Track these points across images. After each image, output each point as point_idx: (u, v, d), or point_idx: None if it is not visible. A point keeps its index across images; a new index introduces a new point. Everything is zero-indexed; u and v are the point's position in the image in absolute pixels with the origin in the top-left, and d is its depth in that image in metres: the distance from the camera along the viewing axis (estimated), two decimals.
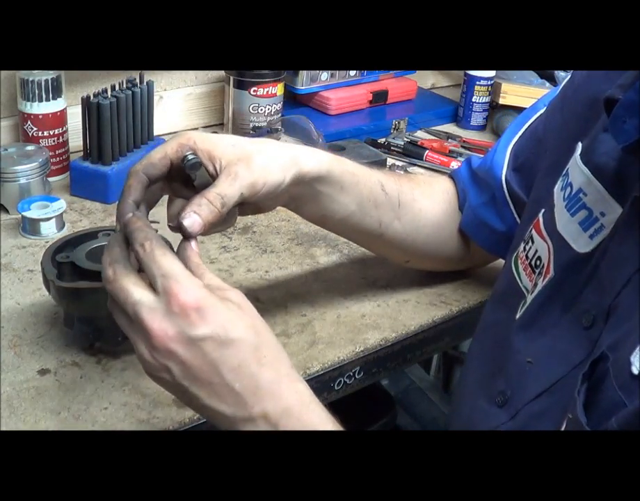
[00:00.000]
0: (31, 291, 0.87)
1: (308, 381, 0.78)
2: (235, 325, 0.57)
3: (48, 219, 0.98)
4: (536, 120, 0.86)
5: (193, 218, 0.62)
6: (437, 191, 0.91)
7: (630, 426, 0.51)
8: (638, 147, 0.59)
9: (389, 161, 1.26)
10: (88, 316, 0.75)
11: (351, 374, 0.83)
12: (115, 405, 0.71)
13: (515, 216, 0.85)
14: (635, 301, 0.58)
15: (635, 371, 0.53)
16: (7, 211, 1.03)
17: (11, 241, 0.97)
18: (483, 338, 0.79)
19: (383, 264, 0.98)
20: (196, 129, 1.31)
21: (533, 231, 0.73)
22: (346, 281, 0.94)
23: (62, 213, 0.99)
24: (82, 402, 0.71)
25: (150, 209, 0.68)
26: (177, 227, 0.63)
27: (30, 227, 0.98)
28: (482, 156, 0.93)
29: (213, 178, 0.66)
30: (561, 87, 0.83)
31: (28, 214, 0.97)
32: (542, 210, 0.72)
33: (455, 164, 1.24)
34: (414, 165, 1.27)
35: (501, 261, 0.88)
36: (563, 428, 0.57)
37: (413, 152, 1.29)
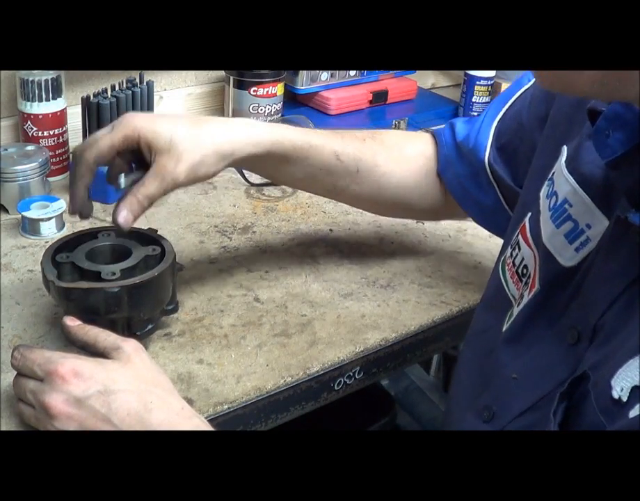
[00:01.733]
0: (31, 291, 0.87)
1: (308, 381, 0.79)
2: (114, 379, 0.63)
3: (48, 219, 0.98)
4: (519, 97, 0.84)
5: (125, 215, 0.73)
6: (409, 156, 0.91)
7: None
8: (622, 162, 0.56)
9: None
10: (88, 317, 0.75)
11: (351, 374, 0.83)
12: None
13: (500, 197, 0.85)
14: (620, 322, 0.56)
15: (615, 396, 0.52)
16: (7, 211, 1.03)
17: (11, 241, 0.97)
18: (474, 345, 0.78)
19: (383, 264, 0.98)
20: None
21: (520, 237, 0.71)
22: (346, 281, 0.94)
23: (62, 213, 0.99)
24: None
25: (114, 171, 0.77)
26: (112, 222, 0.73)
27: (30, 227, 0.98)
28: (466, 120, 0.92)
29: (148, 166, 0.74)
30: None
31: (28, 214, 0.97)
32: (529, 214, 0.71)
33: None
34: None
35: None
36: None
37: None
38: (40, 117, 1.10)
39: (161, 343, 0.80)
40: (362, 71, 1.45)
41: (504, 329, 0.70)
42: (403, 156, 0.90)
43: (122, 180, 0.75)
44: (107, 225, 1.01)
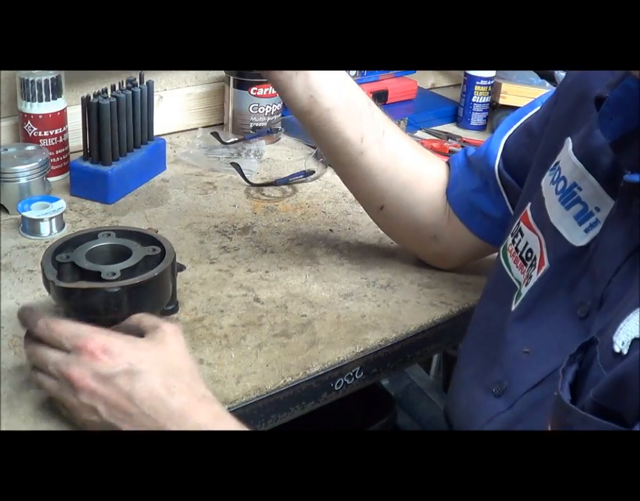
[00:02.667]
0: (31, 291, 0.87)
1: (308, 381, 0.79)
2: (142, 359, 0.64)
3: (48, 219, 0.98)
4: (531, 116, 0.87)
5: None
6: (430, 163, 0.93)
7: (604, 395, 0.53)
8: (624, 143, 0.61)
9: None
10: (88, 316, 0.75)
11: (351, 374, 0.83)
12: None
13: (508, 205, 0.87)
14: (622, 288, 0.59)
15: (617, 350, 0.55)
16: (7, 211, 1.03)
17: (11, 241, 0.97)
18: (477, 332, 0.79)
19: (383, 264, 0.98)
20: (196, 129, 1.31)
21: (522, 224, 0.74)
22: (346, 281, 0.94)
23: (62, 213, 0.99)
24: None
25: None
26: None
27: (30, 227, 0.98)
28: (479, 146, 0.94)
29: None
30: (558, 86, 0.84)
31: (28, 214, 0.97)
32: (529, 203, 0.73)
33: None
34: None
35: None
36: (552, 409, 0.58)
37: None
38: (40, 117, 1.10)
39: None
40: (362, 71, 1.45)
41: (512, 309, 0.72)
42: (428, 160, 0.93)
43: None
44: (107, 225, 1.01)
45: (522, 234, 0.74)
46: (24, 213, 0.97)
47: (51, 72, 1.09)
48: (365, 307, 0.89)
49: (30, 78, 1.08)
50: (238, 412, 0.74)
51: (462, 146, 1.35)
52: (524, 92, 1.42)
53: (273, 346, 0.81)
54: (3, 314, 0.82)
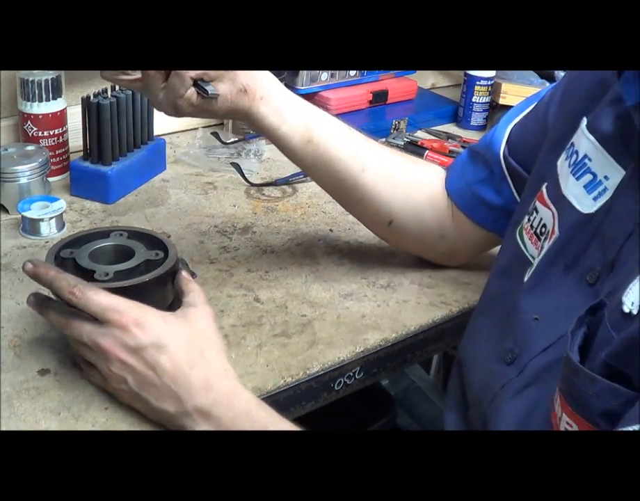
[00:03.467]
0: (31, 291, 0.86)
1: (308, 381, 0.79)
2: (167, 333, 0.68)
3: (48, 219, 0.98)
4: (537, 105, 0.88)
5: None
6: (423, 165, 0.95)
7: (618, 356, 0.53)
8: None
9: None
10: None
11: (351, 374, 0.83)
12: (115, 405, 0.71)
13: (513, 190, 0.87)
14: (632, 253, 0.60)
15: (626, 310, 0.55)
16: (7, 211, 1.03)
17: (11, 241, 0.97)
18: (489, 309, 0.80)
19: (383, 263, 0.98)
20: (196, 129, 1.31)
21: (537, 202, 0.75)
22: (346, 281, 0.94)
23: (62, 213, 0.99)
24: (82, 402, 0.71)
25: None
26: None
27: (30, 227, 0.98)
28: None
29: None
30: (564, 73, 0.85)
31: (28, 214, 0.97)
32: (545, 183, 0.74)
33: None
34: None
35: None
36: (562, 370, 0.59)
37: (413, 152, 1.28)
38: (40, 117, 1.10)
39: None
40: (362, 71, 1.45)
41: (525, 280, 0.73)
42: (418, 168, 0.95)
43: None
44: (107, 225, 1.01)
45: (537, 212, 0.75)
46: (24, 213, 0.97)
47: (51, 72, 1.09)
48: (365, 307, 0.89)
49: (30, 78, 1.08)
50: None
51: (462, 146, 1.35)
52: (524, 92, 1.42)
53: (273, 346, 0.81)
54: (3, 314, 0.82)
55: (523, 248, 0.76)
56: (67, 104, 1.13)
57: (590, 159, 0.68)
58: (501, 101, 1.44)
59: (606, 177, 0.66)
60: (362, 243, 1.03)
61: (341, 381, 0.82)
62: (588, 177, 0.68)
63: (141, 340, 0.67)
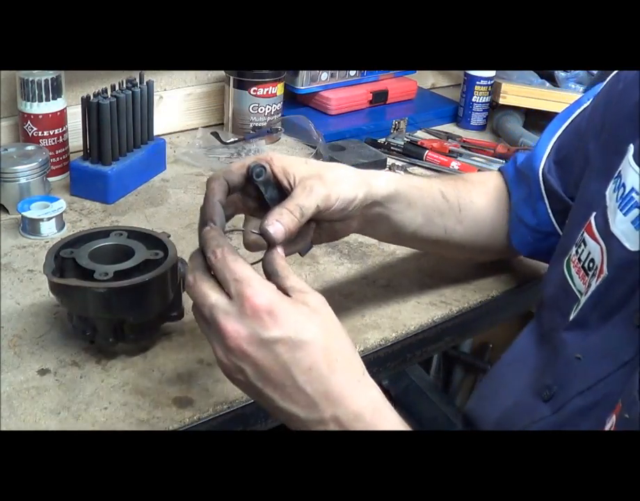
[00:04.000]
0: (31, 291, 0.87)
1: None
2: (307, 328, 0.58)
3: (48, 219, 0.98)
4: (579, 114, 0.86)
5: (276, 226, 0.65)
6: (491, 189, 0.92)
7: None
8: None
9: (389, 161, 1.26)
10: (80, 313, 0.75)
11: None
12: (115, 405, 0.71)
13: (549, 210, 0.86)
14: None
15: None
16: (7, 211, 1.03)
17: (11, 241, 0.97)
18: (531, 337, 0.79)
19: (383, 263, 0.98)
20: (196, 129, 1.31)
21: (585, 234, 0.72)
22: (346, 281, 0.94)
23: (62, 213, 0.99)
24: (82, 402, 0.71)
25: (227, 221, 0.71)
26: (261, 234, 0.66)
27: (30, 227, 0.98)
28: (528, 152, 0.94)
29: (286, 193, 0.69)
30: (604, 84, 0.82)
31: (28, 214, 0.97)
32: (594, 213, 0.72)
33: (455, 164, 1.24)
34: (414, 165, 1.27)
35: None
36: (611, 428, 0.57)
37: (413, 152, 1.29)
38: (40, 117, 1.10)
39: (162, 343, 0.80)
40: (362, 71, 1.45)
41: (571, 318, 0.71)
42: (488, 189, 0.92)
43: (257, 169, 0.68)
44: (107, 224, 1.01)
45: (584, 244, 0.72)
46: (24, 213, 0.97)
47: (51, 72, 1.09)
48: (365, 306, 0.89)
49: (30, 78, 1.08)
50: (238, 412, 0.74)
51: (462, 146, 1.35)
52: (524, 92, 1.42)
53: None
54: (3, 314, 0.82)
55: (570, 282, 0.74)
56: (67, 104, 1.13)
57: (637, 193, 0.65)
58: (501, 101, 1.43)
59: None
60: (362, 243, 1.03)
61: None
62: (636, 212, 0.65)
63: (274, 333, 0.57)
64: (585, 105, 0.86)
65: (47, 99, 1.09)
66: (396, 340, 0.85)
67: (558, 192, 0.85)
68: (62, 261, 0.76)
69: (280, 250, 0.64)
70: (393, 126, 1.38)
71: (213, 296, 0.59)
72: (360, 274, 0.96)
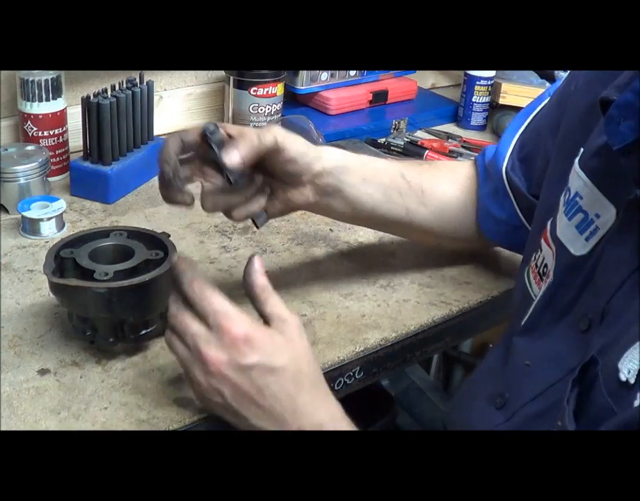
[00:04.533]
0: (31, 291, 0.87)
1: None
2: (278, 355, 0.65)
3: (48, 219, 0.98)
4: (539, 111, 0.86)
5: (232, 153, 0.73)
6: (460, 176, 0.92)
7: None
8: (633, 149, 0.58)
9: None
10: (80, 313, 0.75)
11: (351, 374, 0.83)
12: (115, 405, 0.71)
13: (515, 206, 0.87)
14: (624, 306, 0.57)
15: (622, 378, 0.53)
16: (7, 211, 1.03)
17: (11, 241, 0.97)
18: (499, 347, 0.79)
19: (383, 263, 0.98)
20: None
21: (542, 240, 0.73)
22: (346, 281, 0.94)
23: (62, 213, 0.99)
24: (82, 402, 0.71)
25: (187, 182, 0.78)
26: (220, 165, 0.73)
27: (30, 227, 0.98)
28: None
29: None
30: (561, 83, 0.83)
31: (28, 214, 0.97)
32: (551, 219, 0.72)
33: None
34: None
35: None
36: None
37: (413, 152, 1.29)
38: (40, 117, 1.10)
39: (161, 343, 0.79)
40: (362, 71, 1.45)
41: (522, 323, 0.72)
42: (456, 176, 0.92)
43: (212, 127, 0.74)
44: (107, 224, 1.01)
45: (541, 250, 0.73)
46: (24, 213, 0.97)
47: (51, 72, 1.09)
48: (365, 306, 0.89)
49: (30, 78, 1.08)
50: None
51: (462, 146, 1.35)
52: (524, 92, 1.42)
53: None
54: (3, 314, 0.82)
55: (529, 288, 0.74)
56: (67, 104, 1.13)
57: (581, 197, 0.66)
58: (501, 101, 1.44)
59: (597, 215, 0.63)
60: (362, 243, 1.03)
61: (341, 381, 0.82)
62: (580, 216, 0.66)
63: (250, 359, 0.63)
64: (545, 102, 0.86)
65: (47, 99, 1.09)
66: (396, 340, 0.85)
67: (522, 190, 0.85)
68: (62, 261, 0.75)
69: (258, 265, 0.70)
70: (393, 127, 1.38)
71: (195, 326, 0.65)
72: (360, 274, 0.96)
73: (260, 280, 0.69)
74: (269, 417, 0.64)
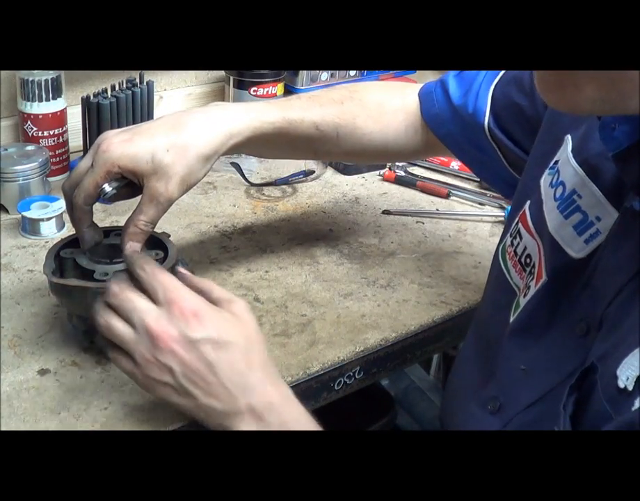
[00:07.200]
0: (31, 291, 0.87)
1: (308, 381, 0.79)
2: (228, 331, 0.64)
3: (48, 219, 0.98)
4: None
5: (132, 246, 0.74)
6: (388, 112, 0.90)
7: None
8: (628, 155, 0.56)
9: None
10: (80, 313, 0.75)
11: (351, 374, 0.83)
12: (115, 405, 0.71)
13: (501, 156, 0.84)
14: (623, 313, 0.56)
15: (621, 385, 0.53)
16: (7, 211, 1.03)
17: (11, 241, 0.97)
18: (476, 337, 0.78)
19: (383, 264, 0.98)
20: None
21: (520, 226, 0.71)
22: (346, 281, 0.94)
23: (62, 213, 0.99)
24: (82, 402, 0.71)
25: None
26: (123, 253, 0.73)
27: (30, 227, 0.98)
28: (456, 75, 0.89)
29: (140, 186, 0.74)
30: None
31: (28, 214, 0.97)
32: (528, 202, 0.70)
33: (455, 164, 1.24)
34: (414, 164, 1.27)
35: None
36: None
37: None
38: (40, 117, 1.10)
39: None
40: (362, 71, 1.45)
41: (510, 320, 0.70)
42: (382, 113, 0.90)
43: (108, 189, 0.73)
44: (107, 225, 1.01)
45: (520, 237, 0.70)
46: (24, 213, 0.97)
47: (51, 72, 1.09)
48: (365, 306, 0.89)
49: (30, 78, 1.08)
50: None
51: None
52: None
53: (273, 346, 0.81)
54: (3, 314, 0.82)
55: (507, 273, 0.72)
56: (67, 104, 1.13)
57: (579, 196, 0.63)
58: None
59: (597, 218, 0.61)
60: (362, 243, 1.03)
61: (341, 381, 0.82)
62: (578, 216, 0.63)
63: (200, 333, 0.62)
64: None
65: (47, 99, 1.09)
66: (396, 340, 0.86)
67: (507, 144, 0.83)
68: (62, 261, 0.76)
69: (185, 270, 0.71)
70: None
71: (142, 302, 0.64)
72: (360, 274, 0.96)
73: (197, 278, 0.69)
74: (219, 395, 0.62)
